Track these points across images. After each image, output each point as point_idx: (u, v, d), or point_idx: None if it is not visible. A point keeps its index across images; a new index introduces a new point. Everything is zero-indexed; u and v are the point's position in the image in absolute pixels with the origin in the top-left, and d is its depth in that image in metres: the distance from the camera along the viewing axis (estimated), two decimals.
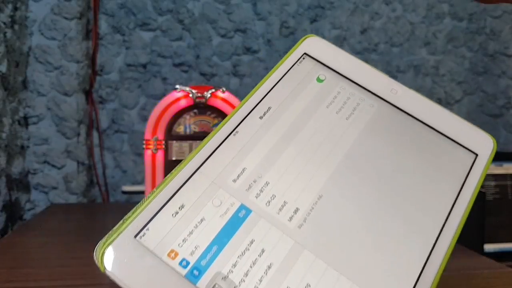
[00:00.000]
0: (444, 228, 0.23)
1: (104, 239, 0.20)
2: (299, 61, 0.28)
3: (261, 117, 0.26)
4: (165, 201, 0.21)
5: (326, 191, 0.23)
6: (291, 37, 0.97)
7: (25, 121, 0.81)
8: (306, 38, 0.29)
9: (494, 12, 1.07)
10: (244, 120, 0.25)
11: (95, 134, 0.90)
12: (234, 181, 0.23)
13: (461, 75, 1.07)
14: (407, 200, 0.23)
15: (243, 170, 0.23)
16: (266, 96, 0.26)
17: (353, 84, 0.28)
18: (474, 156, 0.26)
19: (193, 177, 0.22)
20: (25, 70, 0.80)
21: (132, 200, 0.92)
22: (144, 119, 0.92)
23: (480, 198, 0.86)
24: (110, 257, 0.19)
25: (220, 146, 0.24)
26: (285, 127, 0.25)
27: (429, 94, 1.05)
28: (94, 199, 0.90)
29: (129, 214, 0.21)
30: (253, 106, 0.26)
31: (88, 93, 0.88)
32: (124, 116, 0.91)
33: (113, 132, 0.91)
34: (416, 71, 1.04)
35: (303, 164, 0.24)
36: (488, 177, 0.99)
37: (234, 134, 0.24)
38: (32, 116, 0.81)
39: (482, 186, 0.99)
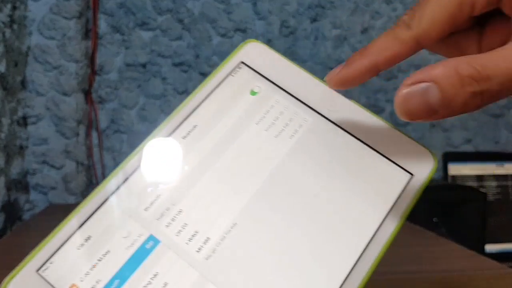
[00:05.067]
0: (362, 256, 0.21)
1: (8, 275, 0.19)
2: (234, 71, 0.26)
3: (184, 137, 0.24)
4: (72, 233, 0.20)
5: (241, 219, 0.22)
6: (291, 37, 0.97)
7: (24, 121, 0.81)
8: (246, 43, 0.26)
9: None
10: (166, 141, 0.23)
11: (94, 134, 0.90)
12: (146, 209, 0.22)
13: None
14: (329, 227, 0.22)
15: (157, 197, 0.22)
16: (194, 112, 0.24)
17: (290, 96, 0.25)
18: (409, 176, 0.24)
19: (103, 206, 0.21)
20: (24, 69, 0.80)
21: None
22: (144, 119, 0.91)
23: (481, 199, 0.86)
24: None
25: (135, 172, 0.22)
26: (208, 148, 0.23)
27: None
28: None
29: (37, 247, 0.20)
30: (178, 124, 0.24)
31: (87, 93, 0.87)
32: (123, 116, 0.91)
33: (113, 132, 0.91)
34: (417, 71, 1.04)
35: (221, 188, 0.22)
36: (490, 177, 0.99)
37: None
38: (31, 116, 0.81)
39: (483, 187, 0.99)
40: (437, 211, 0.83)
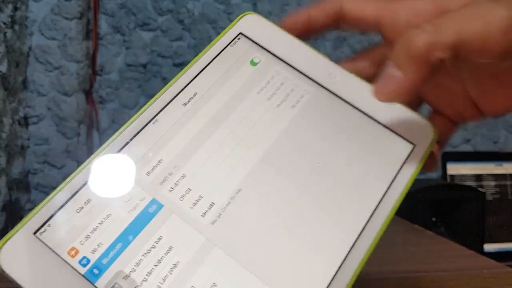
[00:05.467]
0: (368, 224, 0.21)
1: (3, 238, 0.19)
2: (233, 42, 0.26)
3: (185, 104, 0.24)
4: (70, 196, 0.20)
5: (245, 185, 0.22)
6: None
7: (25, 121, 0.81)
8: (244, 15, 0.27)
9: None
10: (166, 107, 0.23)
11: (95, 134, 0.90)
12: (148, 174, 0.21)
13: None
14: (333, 194, 0.22)
15: (159, 161, 0.22)
16: (193, 81, 0.24)
17: (290, 68, 0.26)
18: (411, 146, 0.24)
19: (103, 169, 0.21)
20: (25, 70, 0.80)
21: None
22: None
23: (480, 198, 0.86)
24: (6, 255, 0.18)
25: (136, 136, 0.22)
26: (210, 115, 0.23)
27: None
28: None
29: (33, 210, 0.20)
30: (178, 91, 0.24)
31: (88, 93, 0.88)
32: (124, 116, 0.91)
33: (113, 132, 0.91)
34: None
35: (225, 155, 0.22)
36: (488, 177, 0.99)
37: (153, 123, 0.23)
38: (32, 116, 0.81)
39: (481, 186, 1.00)
40: (436, 210, 0.83)
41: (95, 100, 0.90)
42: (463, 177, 0.98)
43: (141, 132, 0.22)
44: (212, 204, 0.21)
